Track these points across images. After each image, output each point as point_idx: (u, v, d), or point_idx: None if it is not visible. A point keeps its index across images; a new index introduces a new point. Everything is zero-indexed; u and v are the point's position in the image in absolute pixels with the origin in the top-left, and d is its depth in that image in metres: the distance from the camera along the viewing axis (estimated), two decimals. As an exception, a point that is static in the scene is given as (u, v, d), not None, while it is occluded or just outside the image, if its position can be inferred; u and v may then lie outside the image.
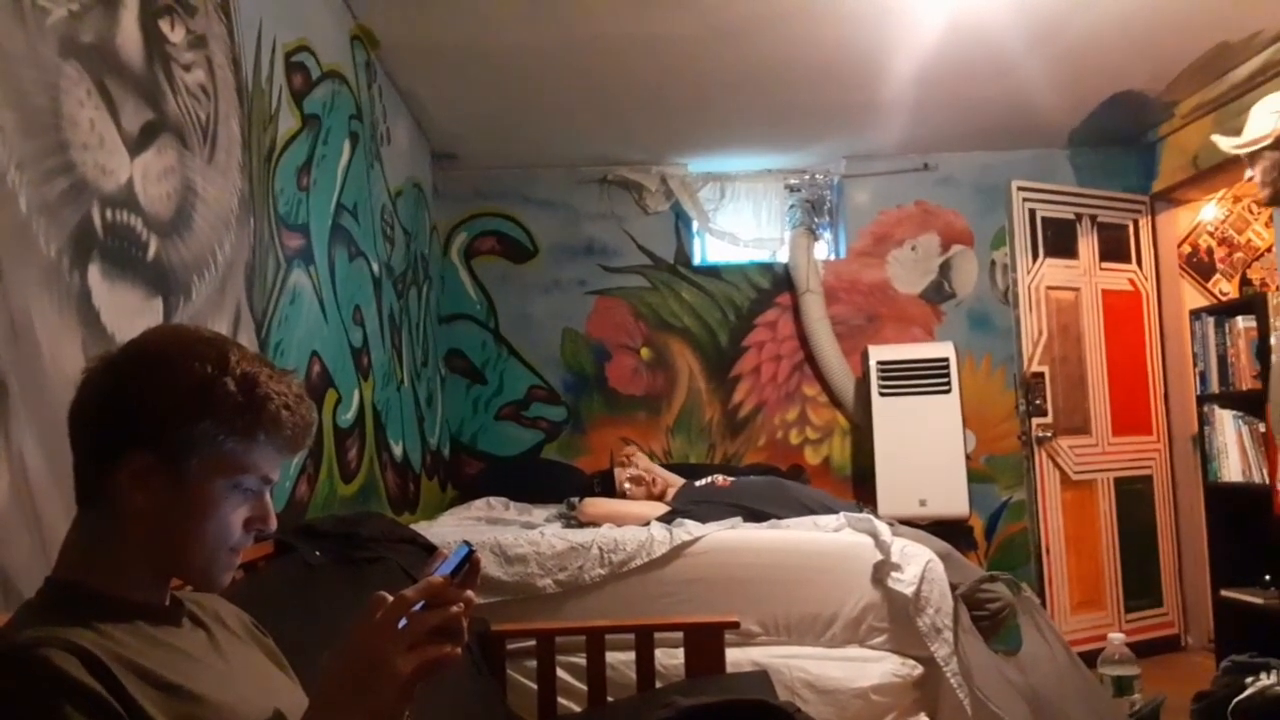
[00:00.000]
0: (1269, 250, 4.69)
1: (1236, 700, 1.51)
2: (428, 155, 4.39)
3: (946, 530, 4.12)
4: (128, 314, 1.60)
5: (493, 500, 3.82)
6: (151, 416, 0.94)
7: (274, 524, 1.04)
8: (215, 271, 1.96)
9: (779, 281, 4.73)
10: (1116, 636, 1.75)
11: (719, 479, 3.36)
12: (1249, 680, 1.56)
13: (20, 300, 1.32)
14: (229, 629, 1.11)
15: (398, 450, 3.46)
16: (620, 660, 2.40)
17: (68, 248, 1.43)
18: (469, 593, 0.93)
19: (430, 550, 2.33)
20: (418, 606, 0.89)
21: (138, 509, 0.94)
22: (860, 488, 4.50)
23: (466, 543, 0.98)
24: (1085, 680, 1.46)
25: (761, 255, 4.79)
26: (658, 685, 2.30)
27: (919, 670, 2.61)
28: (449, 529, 3.09)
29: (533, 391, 4.64)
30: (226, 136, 2.06)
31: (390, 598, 0.89)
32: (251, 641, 1.14)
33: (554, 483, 4.14)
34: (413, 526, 3.09)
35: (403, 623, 0.88)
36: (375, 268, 3.28)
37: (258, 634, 1.17)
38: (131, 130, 1.64)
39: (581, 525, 3.01)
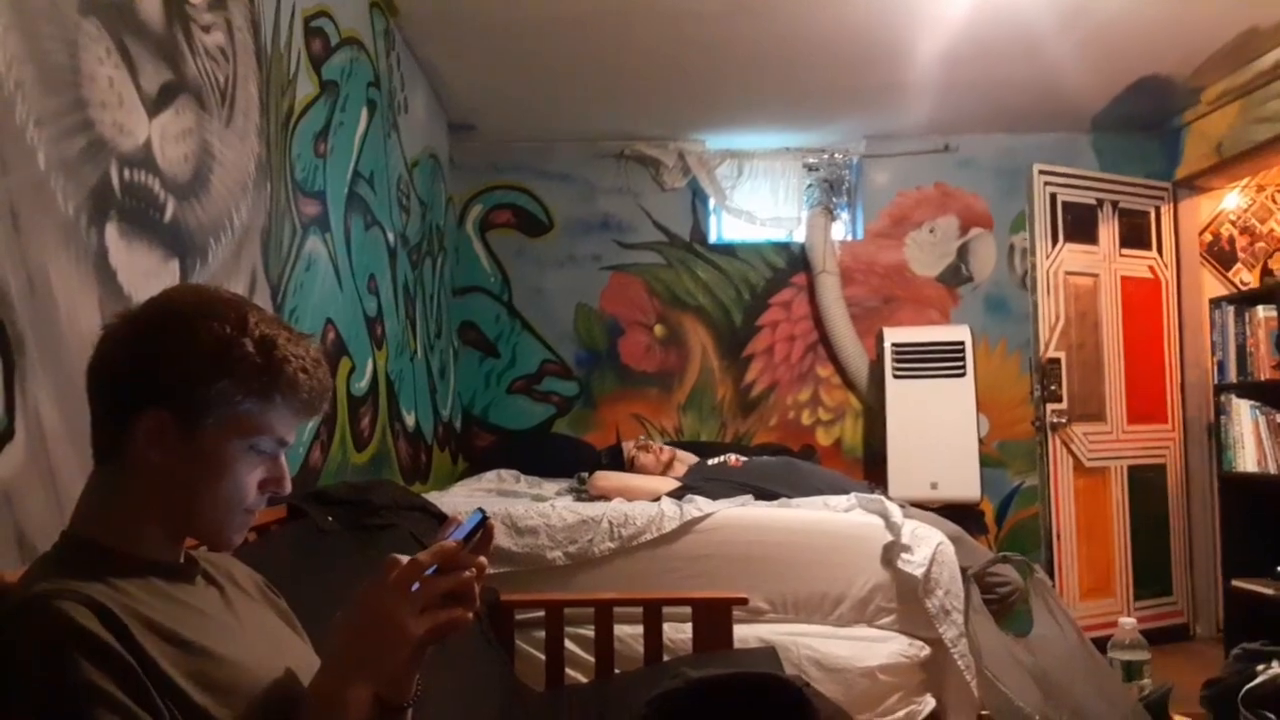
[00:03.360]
0: (1293, 240, 4.63)
1: (1248, 688, 1.50)
2: (445, 126, 4.38)
3: (957, 514, 4.11)
4: (144, 274, 1.60)
5: (504, 473, 3.84)
6: (170, 375, 0.94)
7: (288, 486, 1.04)
8: (231, 235, 1.96)
9: (795, 261, 4.71)
10: (1127, 621, 1.75)
11: (731, 458, 3.35)
12: (1260, 668, 1.55)
13: (38, 257, 1.32)
14: (242, 589, 1.11)
15: (410, 420, 3.47)
16: (628, 634, 2.40)
17: (86, 206, 1.43)
18: (482, 558, 0.93)
19: (441, 519, 2.33)
20: (430, 570, 0.89)
21: (153, 466, 0.94)
22: (872, 470, 4.49)
23: (480, 510, 0.97)
24: (1095, 663, 1.45)
25: (778, 234, 4.76)
26: (665, 659, 2.31)
27: (926, 651, 2.61)
28: (460, 499, 3.10)
29: (545, 366, 4.64)
30: (245, 100, 2.05)
31: (404, 560, 0.90)
32: (264, 602, 1.15)
33: (565, 457, 4.15)
34: (426, 495, 3.11)
35: (415, 585, 0.88)
36: (390, 237, 3.28)
37: (270, 595, 1.18)
38: (150, 90, 1.63)
39: (592, 499, 3.02)
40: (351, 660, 0.89)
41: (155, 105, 1.65)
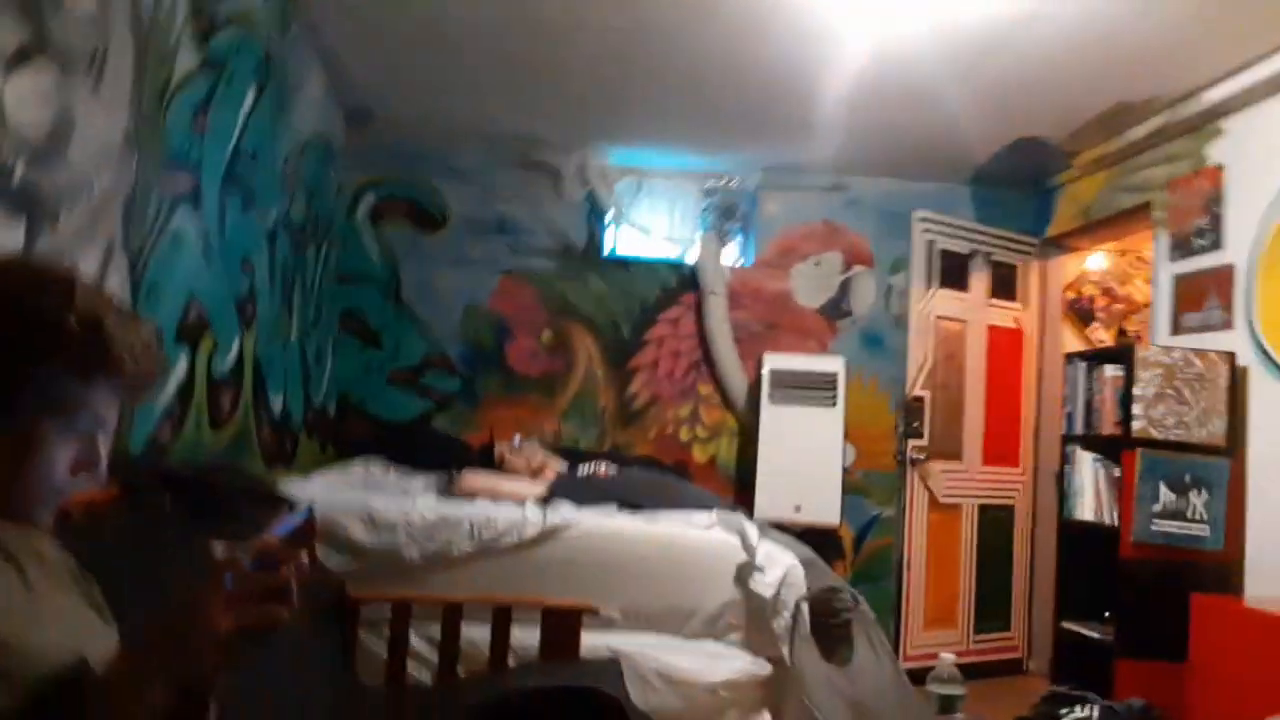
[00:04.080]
0: (1145, 306, 4.96)
1: (1045, 723, 1.60)
2: (341, 111, 4.28)
3: (817, 538, 4.24)
4: (-16, 233, 1.53)
5: (373, 464, 3.77)
6: None
7: (103, 469, 1.01)
8: (88, 202, 1.88)
9: (685, 281, 4.79)
10: (948, 656, 1.84)
11: (602, 468, 3.39)
12: (1063, 711, 1.66)
13: None
14: (47, 568, 1.07)
15: (277, 404, 3.38)
16: (478, 636, 2.39)
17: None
18: (302, 556, 0.92)
19: (293, 508, 2.29)
20: (249, 565, 0.88)
21: None
22: (741, 489, 4.59)
23: (309, 507, 0.97)
24: (908, 696, 1.53)
25: (671, 253, 4.84)
26: (510, 664, 2.32)
27: (768, 670, 2.68)
28: (320, 488, 3.03)
29: (428, 359, 4.59)
30: (116, 66, 1.97)
31: (221, 551, 0.88)
32: (71, 584, 1.10)
33: (440, 453, 4.10)
34: (287, 481, 3.04)
35: (229, 578, 0.87)
36: (271, 218, 3.19)
37: (79, 577, 1.13)
38: (5, 48, 1.57)
39: (459, 497, 3.00)
40: (150, 650, 0.87)
41: (8, 65, 1.58)
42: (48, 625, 0.97)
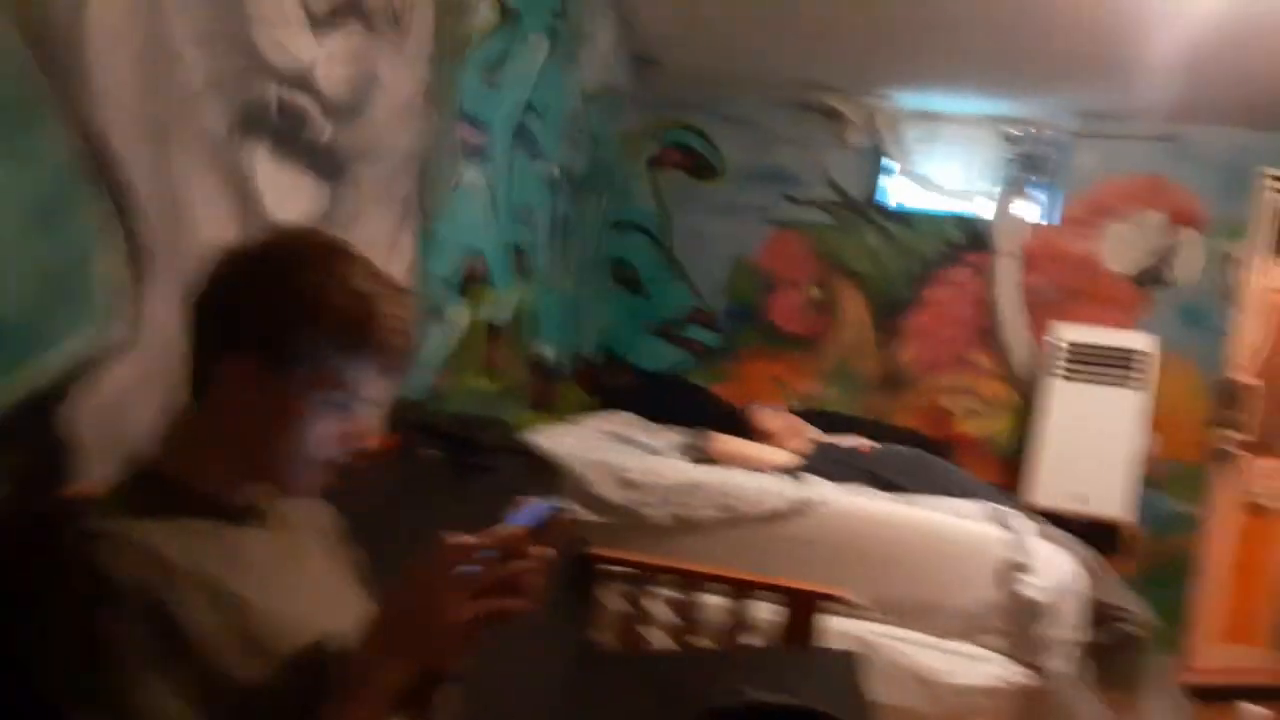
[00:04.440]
0: None
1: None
2: (628, 58, 4.30)
3: (1101, 532, 3.85)
4: (292, 197, 1.65)
5: (625, 416, 3.84)
6: (261, 319, 0.95)
7: (365, 442, 1.05)
8: (388, 162, 1.99)
9: (975, 238, 4.41)
10: (1253, 709, 1.58)
11: (862, 443, 3.23)
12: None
13: (183, 173, 1.37)
14: (314, 535, 1.13)
15: (546, 352, 3.51)
16: (713, 603, 2.37)
17: (238, 126, 1.47)
18: (549, 550, 0.90)
19: (545, 467, 2.36)
20: (489, 554, 0.88)
21: (233, 407, 0.96)
22: (1014, 472, 4.22)
23: (554, 501, 0.94)
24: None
25: (962, 208, 4.46)
26: (743, 639, 2.27)
27: (1026, 680, 2.46)
28: (573, 441, 3.10)
29: (691, 312, 4.58)
30: (418, 25, 2.06)
31: (458, 540, 0.89)
32: (338, 553, 1.16)
33: (692, 407, 4.11)
34: (542, 429, 3.16)
35: (468, 568, 0.87)
36: (555, 171, 3.27)
37: (345, 545, 1.18)
38: (318, 11, 1.65)
39: (708, 461, 2.98)
40: (389, 639, 0.89)
41: (322, 26, 1.67)
42: (309, 595, 1.02)
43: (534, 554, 0.89)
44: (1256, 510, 3.88)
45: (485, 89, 2.53)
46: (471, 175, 2.50)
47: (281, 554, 1.04)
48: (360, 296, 0.96)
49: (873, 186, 4.49)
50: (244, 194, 1.51)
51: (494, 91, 2.59)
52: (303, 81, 1.63)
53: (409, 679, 0.89)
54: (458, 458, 1.92)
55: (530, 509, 0.92)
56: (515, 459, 2.15)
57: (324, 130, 1.72)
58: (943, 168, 4.49)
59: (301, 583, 1.04)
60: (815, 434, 3.43)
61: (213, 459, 0.98)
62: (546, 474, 2.37)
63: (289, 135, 1.61)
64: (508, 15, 2.58)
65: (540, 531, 0.91)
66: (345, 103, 1.79)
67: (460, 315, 2.55)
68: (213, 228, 1.43)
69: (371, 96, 1.89)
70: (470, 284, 2.66)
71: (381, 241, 2.00)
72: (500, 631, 0.89)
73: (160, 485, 0.96)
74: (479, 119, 2.51)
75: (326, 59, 1.69)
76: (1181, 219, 4.25)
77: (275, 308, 0.95)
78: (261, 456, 0.99)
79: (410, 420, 2.04)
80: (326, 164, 1.75)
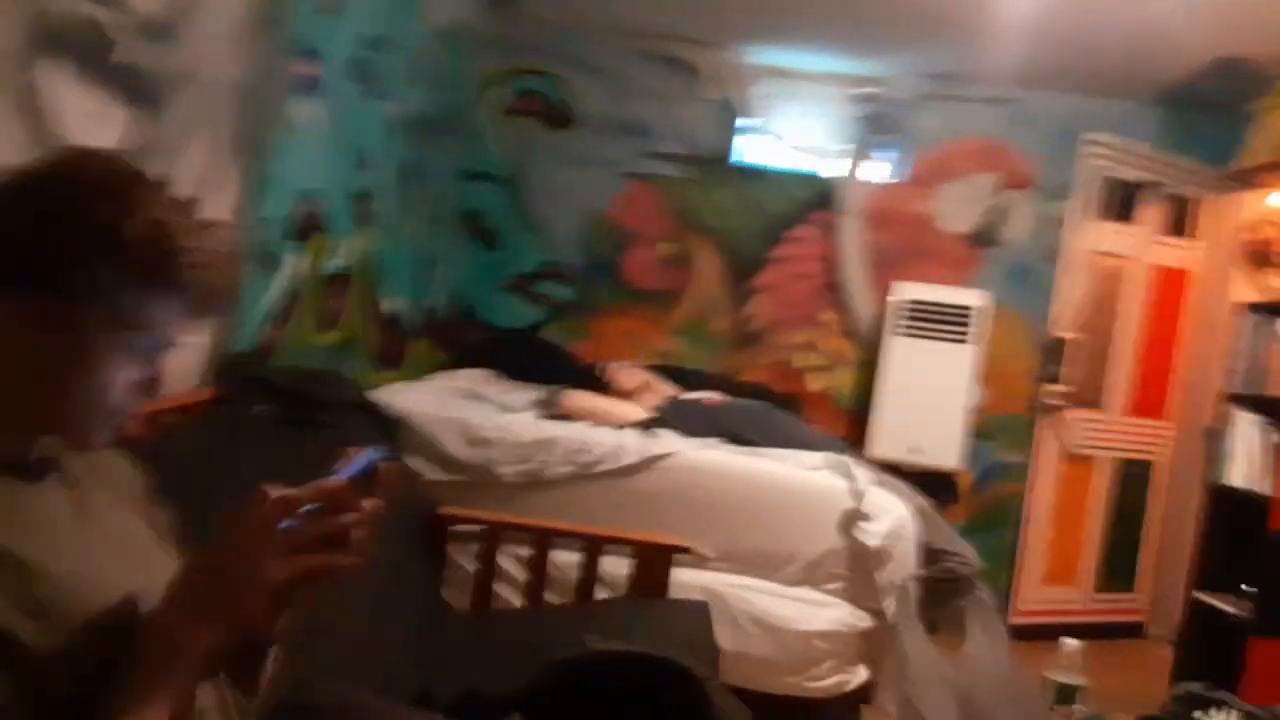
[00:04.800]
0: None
1: (1178, 737, 1.43)
2: (480, -1, 4.12)
3: (934, 481, 4.05)
4: (97, 123, 1.48)
5: (478, 373, 3.75)
6: (42, 251, 0.84)
7: (160, 390, 0.95)
8: (203, 88, 1.82)
9: (820, 196, 4.50)
10: (1071, 642, 1.67)
11: (709, 396, 3.26)
12: (1196, 714, 1.48)
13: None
14: (113, 491, 1.03)
15: (389, 305, 3.36)
16: (567, 561, 2.35)
17: (31, 41, 1.30)
18: (372, 502, 0.84)
19: (387, 422, 2.26)
20: (309, 508, 0.81)
21: (9, 351, 0.85)
22: (856, 424, 4.39)
23: (381, 450, 0.88)
24: (1023, 687, 1.39)
25: (808, 165, 4.54)
26: (598, 594, 2.27)
27: (867, 623, 2.56)
28: (420, 398, 3.01)
29: (545, 267, 4.50)
30: (235, -56, 1.88)
31: (277, 493, 0.81)
32: (138, 508, 1.06)
33: (547, 364, 4.06)
34: (390, 388, 3.04)
35: (286, 523, 0.80)
36: (397, 111, 3.10)
37: (151, 502, 1.09)
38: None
39: (559, 417, 2.93)
40: (197, 595, 0.81)
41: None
42: (102, 555, 0.93)
43: (358, 506, 0.83)
44: (1075, 459, 4.16)
45: (318, 16, 2.35)
46: (306, 111, 2.33)
47: (73, 512, 0.94)
48: (159, 227, 0.86)
49: (726, 142, 4.51)
50: (38, 116, 1.34)
51: (331, 18, 2.41)
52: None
53: (224, 641, 0.81)
54: (290, 413, 1.79)
55: (356, 460, 0.86)
56: (356, 416, 2.03)
57: (135, 51, 1.55)
58: (794, 125, 4.54)
59: (98, 542, 0.94)
60: (669, 389, 3.44)
61: None
62: (390, 431, 2.26)
63: (94, 54, 1.44)
64: (340, -58, 2.41)
65: (365, 482, 0.85)
66: (159, 21, 1.61)
67: (295, 263, 2.39)
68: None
69: (190, 17, 1.71)
70: (307, 230, 2.50)
71: (202, 178, 1.83)
72: (337, 591, 0.83)
73: None
74: (314, 49, 2.34)
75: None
76: (1013, 181, 4.47)
77: (57, 238, 0.84)
78: (47, 405, 0.88)
79: (237, 373, 1.90)
80: (138, 88, 1.58)
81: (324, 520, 0.82)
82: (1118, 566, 4.31)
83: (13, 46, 1.28)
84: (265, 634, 0.86)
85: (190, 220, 0.90)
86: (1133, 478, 4.33)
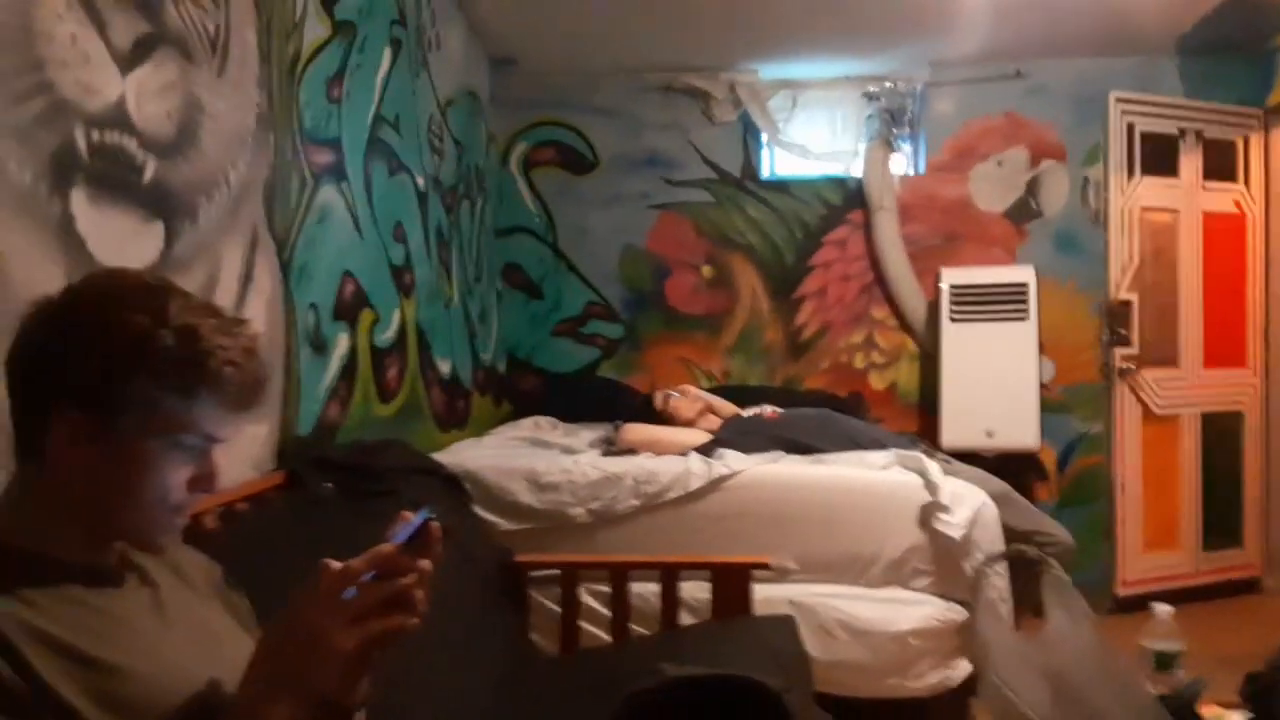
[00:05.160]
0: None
1: (1290, 691, 1.37)
2: (484, 61, 4.25)
3: (1014, 463, 3.96)
4: (121, 240, 1.56)
5: (540, 420, 3.80)
6: (83, 370, 0.89)
7: (218, 484, 0.99)
8: (227, 192, 1.90)
9: (851, 197, 4.49)
10: (1163, 608, 1.61)
11: (767, 410, 3.25)
12: (1308, 667, 1.41)
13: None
14: (189, 585, 1.07)
15: (445, 368, 3.44)
16: (649, 591, 2.35)
17: (46, 173, 1.38)
18: (425, 562, 0.87)
19: (453, 482, 2.30)
20: (367, 577, 0.84)
21: (70, 466, 0.90)
22: (925, 416, 4.33)
23: (427, 509, 0.91)
24: (1114, 663, 1.34)
25: (834, 169, 4.53)
26: (683, 620, 2.26)
27: (962, 615, 2.50)
28: (490, 450, 3.07)
29: (590, 308, 4.55)
30: (240, 48, 1.97)
31: (336, 566, 0.84)
32: (216, 599, 1.10)
33: (609, 401, 4.10)
34: (454, 447, 3.10)
35: (350, 593, 0.83)
36: (420, 182, 3.20)
37: (227, 591, 1.13)
38: (122, 45, 1.56)
39: (621, 452, 2.95)
40: (272, 674, 0.84)
41: (129, 60, 1.58)
42: (182, 648, 0.97)
43: (414, 566, 0.86)
44: (1160, 420, 4.03)
45: (328, 105, 2.44)
46: (327, 195, 2.41)
47: (153, 611, 0.98)
48: (186, 331, 0.90)
49: (746, 160, 4.53)
50: (64, 242, 1.42)
51: (338, 107, 2.50)
52: (115, 119, 1.54)
53: (306, 714, 0.84)
54: (354, 486, 1.84)
55: (405, 524, 0.89)
56: (418, 479, 2.07)
57: (147, 167, 1.63)
58: (810, 132, 4.55)
59: (179, 637, 0.98)
60: (728, 407, 3.43)
61: (57, 522, 0.92)
62: (454, 489, 2.30)
63: (107, 176, 1.52)
64: (340, 29, 2.50)
65: (415, 544, 0.87)
66: (168, 136, 1.69)
67: (340, 341, 2.46)
68: (34, 282, 1.33)
69: (198, 127, 1.80)
70: (354, 308, 2.57)
71: (233, 275, 1.91)
72: (419, 651, 0.85)
73: (10, 557, 0.89)
74: (326, 137, 2.43)
75: (138, 93, 1.59)
76: (1041, 151, 4.41)
77: (94, 355, 0.89)
78: (109, 513, 0.93)
79: (300, 455, 1.96)
80: (156, 201, 1.65)
81: (383, 585, 0.84)
82: (1222, 524, 4.14)
83: (45, 178, 1.36)
84: (348, 701, 0.88)
85: (220, 319, 0.94)
86: (1223, 431, 4.17)
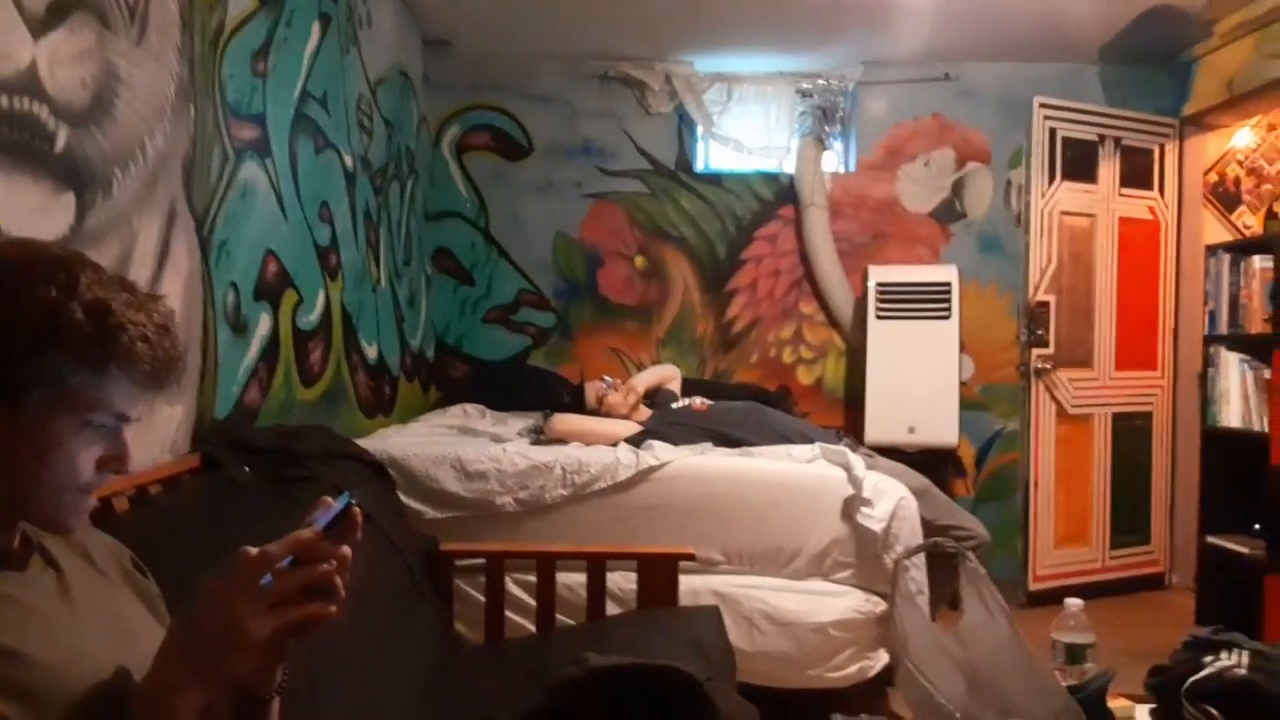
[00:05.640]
0: (1301, 184, 4.45)
1: (1191, 680, 1.43)
2: (418, 41, 4.17)
3: (934, 459, 4.05)
4: (30, 210, 1.48)
5: (469, 408, 3.76)
6: None
7: (129, 464, 0.95)
8: (144, 164, 1.83)
9: (783, 193, 4.53)
10: (1074, 602, 1.67)
11: (697, 401, 3.27)
12: (1207, 659, 1.47)
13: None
14: (96, 569, 1.03)
15: (371, 352, 3.37)
16: (576, 581, 2.35)
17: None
18: (345, 549, 0.85)
19: (377, 469, 2.26)
20: (285, 562, 0.82)
21: None
22: (851, 411, 4.40)
23: (347, 494, 0.89)
24: (1028, 657, 1.38)
25: (766, 164, 4.57)
26: (610, 610, 2.26)
27: (881, 607, 2.56)
28: (417, 437, 3.02)
29: (522, 295, 4.51)
30: (160, 16, 1.89)
31: (253, 552, 0.82)
32: (124, 583, 1.06)
33: (539, 390, 4.08)
34: (380, 432, 3.04)
35: (266, 579, 0.81)
36: (348, 161, 3.12)
37: (135, 574, 1.09)
38: (35, 8, 1.49)
39: (550, 442, 2.93)
40: (184, 662, 0.81)
41: (42, 25, 1.51)
42: (88, 634, 0.93)
43: (334, 553, 0.84)
44: (1073, 419, 4.16)
45: (253, 79, 2.36)
46: (250, 172, 2.33)
47: (58, 595, 0.94)
48: (97, 305, 0.86)
49: (681, 151, 4.54)
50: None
51: (263, 81, 2.42)
52: (25, 85, 1.46)
53: (218, 701, 0.82)
54: (273, 471, 1.79)
55: (326, 509, 0.86)
56: (341, 466, 2.03)
57: (59, 136, 1.55)
58: (744, 126, 4.57)
59: (85, 622, 0.94)
60: (658, 373, 3.45)
61: None
62: (378, 476, 2.26)
63: (17, 145, 1.44)
64: (266, 1, 2.42)
65: (336, 530, 0.85)
66: (82, 105, 1.62)
67: (261, 322, 2.39)
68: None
69: (114, 96, 1.72)
70: (276, 289, 2.50)
71: (149, 251, 1.84)
72: (341, 639, 0.83)
73: None
74: (250, 112, 2.35)
75: (51, 59, 1.52)
76: (968, 154, 4.52)
77: (3, 330, 0.84)
78: (15, 493, 0.88)
79: (215, 439, 1.90)
80: (68, 172, 1.58)
81: (301, 571, 0.82)
82: (1130, 521, 4.30)
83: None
84: (262, 689, 0.86)
85: (133, 295, 0.90)
86: (1133, 431, 4.32)
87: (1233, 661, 1.45)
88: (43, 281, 0.86)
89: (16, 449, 0.86)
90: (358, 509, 0.88)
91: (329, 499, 0.89)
